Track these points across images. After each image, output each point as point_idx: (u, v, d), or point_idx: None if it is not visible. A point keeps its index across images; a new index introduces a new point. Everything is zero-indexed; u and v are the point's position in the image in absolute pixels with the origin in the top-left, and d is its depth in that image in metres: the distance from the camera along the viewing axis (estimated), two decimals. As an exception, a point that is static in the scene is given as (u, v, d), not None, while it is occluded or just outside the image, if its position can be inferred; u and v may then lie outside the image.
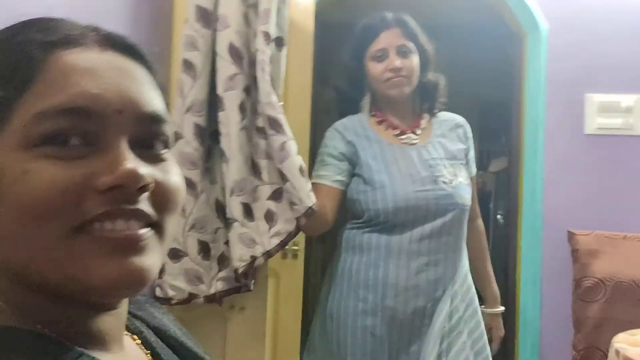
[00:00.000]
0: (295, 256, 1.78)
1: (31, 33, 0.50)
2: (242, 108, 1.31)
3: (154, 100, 0.53)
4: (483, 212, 1.91)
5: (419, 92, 1.70)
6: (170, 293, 1.28)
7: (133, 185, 0.48)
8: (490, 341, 1.71)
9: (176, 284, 1.28)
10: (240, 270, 1.30)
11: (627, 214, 2.31)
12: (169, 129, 0.54)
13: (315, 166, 1.64)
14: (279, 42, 1.37)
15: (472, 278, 1.69)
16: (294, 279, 1.82)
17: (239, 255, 1.30)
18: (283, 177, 1.32)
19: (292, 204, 1.33)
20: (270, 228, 1.34)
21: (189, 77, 1.29)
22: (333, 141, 1.65)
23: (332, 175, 1.61)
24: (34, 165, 0.46)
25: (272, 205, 1.35)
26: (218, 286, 1.33)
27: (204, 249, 1.34)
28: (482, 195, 2.97)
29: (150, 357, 0.62)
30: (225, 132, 1.29)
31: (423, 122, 1.70)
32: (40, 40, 0.49)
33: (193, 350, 0.68)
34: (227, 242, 1.34)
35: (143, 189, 0.49)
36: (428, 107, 1.72)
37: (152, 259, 0.50)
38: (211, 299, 1.33)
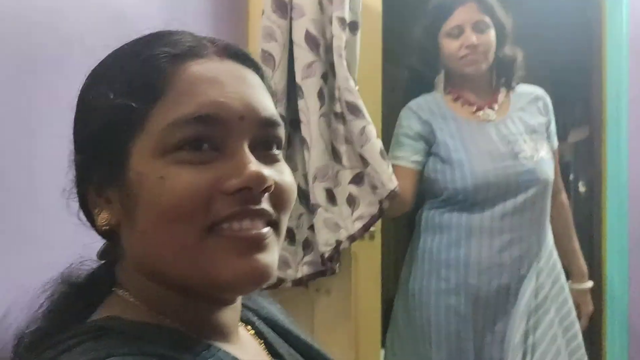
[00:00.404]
0: (372, 237, 1.79)
1: (158, 47, 0.54)
2: (320, 95, 1.33)
3: (269, 106, 0.56)
4: (566, 186, 1.86)
5: (495, 67, 1.66)
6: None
7: (258, 187, 0.51)
8: (578, 318, 1.68)
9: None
10: (326, 255, 1.33)
11: None
12: (282, 132, 0.57)
13: (391, 147, 1.64)
14: (353, 27, 1.37)
15: (558, 253, 1.66)
16: (373, 260, 1.83)
17: (325, 240, 1.33)
18: (364, 161, 1.33)
19: (374, 187, 1.34)
20: (353, 212, 1.36)
21: (268, 68, 1.32)
22: (408, 121, 1.64)
23: (409, 155, 1.60)
24: (170, 171, 0.50)
25: (353, 189, 1.37)
26: (304, 270, 1.37)
27: (290, 235, 1.38)
28: (561, 167, 2.86)
29: (263, 346, 0.66)
30: (305, 120, 1.32)
31: (500, 97, 1.66)
32: (168, 53, 0.53)
33: (301, 338, 0.71)
34: (310, 227, 1.37)
35: (266, 190, 0.52)
36: (505, 82, 1.68)
37: (273, 256, 0.54)
38: (298, 282, 1.37)
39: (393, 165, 1.53)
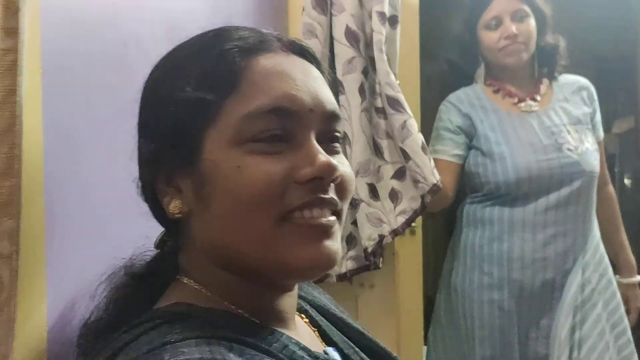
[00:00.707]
0: (413, 232, 1.78)
1: (229, 42, 0.56)
2: (361, 90, 1.33)
3: (333, 99, 0.59)
4: (612, 177, 1.82)
5: (537, 57, 1.63)
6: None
7: (329, 176, 0.54)
8: (627, 313, 1.64)
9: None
10: (369, 249, 1.34)
11: None
12: (342, 125, 0.59)
13: (431, 141, 1.63)
14: (393, 21, 1.37)
15: (605, 247, 1.62)
16: (414, 255, 1.82)
17: (368, 235, 1.34)
18: (405, 156, 1.33)
19: (415, 181, 1.34)
20: (395, 207, 1.36)
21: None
22: (448, 114, 1.63)
23: (449, 149, 1.59)
24: (246, 161, 0.52)
25: (395, 184, 1.37)
26: (348, 265, 1.38)
27: (332, 230, 1.38)
28: (606, 159, 2.80)
29: (317, 333, 0.68)
30: (346, 115, 1.32)
31: (543, 88, 1.63)
32: (239, 47, 0.55)
33: (353, 325, 0.72)
34: (353, 223, 1.38)
35: (335, 179, 0.54)
36: (547, 72, 1.65)
37: (338, 243, 0.56)
38: (342, 277, 1.38)
39: (434, 160, 1.52)
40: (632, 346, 1.57)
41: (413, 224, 1.66)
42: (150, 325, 0.52)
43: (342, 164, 0.58)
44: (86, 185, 0.72)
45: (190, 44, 0.59)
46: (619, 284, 1.66)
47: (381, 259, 1.39)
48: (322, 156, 0.54)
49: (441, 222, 2.87)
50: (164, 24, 0.91)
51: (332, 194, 0.55)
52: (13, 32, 0.50)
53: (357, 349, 0.69)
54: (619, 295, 1.60)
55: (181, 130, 0.55)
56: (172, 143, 0.56)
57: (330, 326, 0.71)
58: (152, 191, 0.59)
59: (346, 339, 0.70)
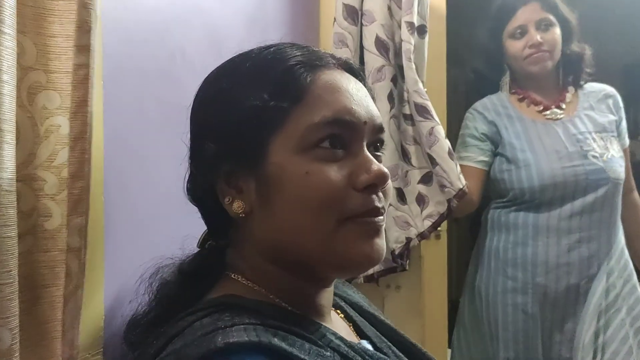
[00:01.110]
0: (438, 237, 1.82)
1: (294, 57, 0.62)
2: (390, 97, 1.38)
3: (378, 113, 0.65)
4: (637, 184, 1.83)
5: (562, 65, 1.66)
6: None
7: (383, 183, 0.60)
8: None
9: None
10: (397, 252, 1.38)
11: None
12: (385, 136, 0.66)
13: (457, 148, 1.66)
14: (421, 30, 1.41)
15: (631, 254, 1.64)
16: (439, 259, 1.85)
17: (395, 237, 1.38)
18: (432, 161, 1.37)
19: (442, 186, 1.38)
20: (422, 211, 1.40)
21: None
22: (474, 122, 1.66)
23: (475, 156, 1.63)
24: (313, 167, 0.58)
25: (422, 188, 1.41)
26: (376, 267, 1.42)
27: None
28: (633, 166, 2.78)
29: (352, 328, 0.73)
30: (375, 122, 1.37)
31: (568, 96, 1.66)
32: (304, 63, 0.61)
33: (385, 322, 0.77)
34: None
35: (386, 186, 0.61)
36: (573, 80, 1.67)
37: (384, 241, 0.62)
38: (370, 278, 1.42)
39: (459, 166, 1.56)
40: (656, 352, 1.58)
41: (439, 228, 1.70)
42: (203, 314, 0.58)
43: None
44: (140, 186, 0.78)
45: (255, 57, 0.64)
46: (642, 291, 1.67)
47: (408, 262, 1.43)
48: (376, 165, 0.60)
49: (466, 227, 2.89)
50: (207, 38, 0.97)
51: (382, 203, 0.62)
52: (85, 49, 0.56)
53: (389, 343, 0.74)
54: (638, 301, 1.60)
55: (249, 134, 0.60)
56: (238, 145, 0.61)
57: (364, 321, 0.76)
58: (211, 191, 0.63)
59: (378, 334, 0.75)
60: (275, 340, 0.53)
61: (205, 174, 0.64)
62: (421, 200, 1.41)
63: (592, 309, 1.52)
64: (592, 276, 1.54)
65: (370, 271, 1.41)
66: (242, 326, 0.54)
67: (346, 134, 0.60)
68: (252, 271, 0.64)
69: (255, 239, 0.63)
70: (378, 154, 0.65)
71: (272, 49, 0.64)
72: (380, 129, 0.64)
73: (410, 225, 1.39)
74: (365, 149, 0.61)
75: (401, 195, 1.40)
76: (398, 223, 1.38)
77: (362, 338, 0.73)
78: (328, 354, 0.58)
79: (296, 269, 0.62)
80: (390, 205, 1.38)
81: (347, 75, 0.64)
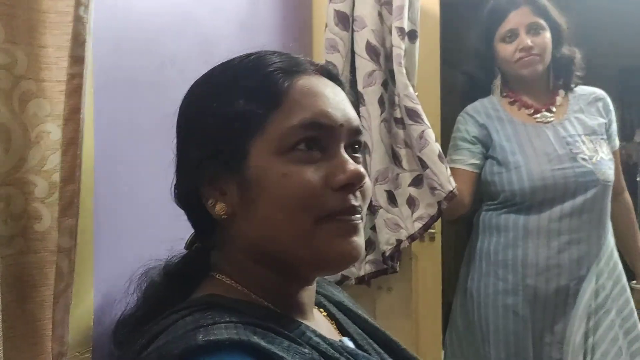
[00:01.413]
0: (432, 239, 1.84)
1: (272, 64, 0.65)
2: (381, 102, 1.40)
3: (356, 116, 0.68)
4: (629, 185, 1.85)
5: (553, 68, 1.68)
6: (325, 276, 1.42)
7: (359, 182, 0.63)
8: (643, 318, 1.67)
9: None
10: (387, 253, 1.40)
11: None
12: (363, 138, 0.69)
13: (449, 151, 1.69)
14: (412, 36, 1.44)
15: (622, 254, 1.66)
16: (433, 261, 1.87)
17: (386, 239, 1.40)
18: (422, 164, 1.39)
19: (432, 189, 1.40)
20: (412, 213, 1.43)
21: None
22: (465, 125, 1.68)
23: (466, 159, 1.65)
24: (290, 169, 0.61)
25: (413, 191, 1.43)
26: (367, 268, 1.44)
27: (353, 235, 1.45)
28: (627, 168, 2.81)
29: (334, 326, 0.75)
30: (367, 126, 1.39)
31: (558, 99, 1.68)
32: (282, 70, 0.64)
33: (368, 320, 0.79)
34: (372, 228, 1.45)
35: (362, 185, 0.64)
36: (563, 83, 1.70)
37: (362, 239, 0.65)
38: (361, 280, 1.44)
39: (451, 169, 1.58)
40: (645, 352, 1.60)
41: (433, 231, 1.72)
42: (186, 312, 0.60)
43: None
44: (130, 190, 0.81)
45: (236, 65, 0.67)
46: (635, 291, 1.69)
47: (398, 263, 1.45)
48: (352, 165, 0.63)
49: (463, 229, 2.91)
50: (198, 46, 1.00)
51: (360, 202, 0.64)
52: (80, 60, 0.59)
53: (370, 340, 0.76)
54: (632, 302, 1.63)
55: (230, 139, 0.63)
56: (220, 150, 0.64)
57: (346, 319, 0.78)
58: (196, 195, 0.66)
59: (360, 331, 0.77)
60: (255, 338, 0.56)
61: (190, 179, 0.66)
62: (412, 202, 1.43)
63: (581, 310, 1.54)
64: (582, 277, 1.55)
65: (362, 273, 1.44)
66: (223, 324, 0.57)
67: (323, 137, 0.63)
68: (236, 271, 0.66)
69: (238, 240, 0.66)
70: (356, 155, 0.67)
71: (252, 57, 0.67)
72: (357, 131, 0.67)
73: (401, 227, 1.41)
74: (342, 150, 0.64)
75: (392, 198, 1.43)
76: (389, 225, 1.41)
77: (344, 336, 0.75)
78: (306, 351, 0.60)
79: (278, 269, 0.65)
80: (381, 208, 1.40)
81: (325, 80, 0.67)
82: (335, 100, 0.65)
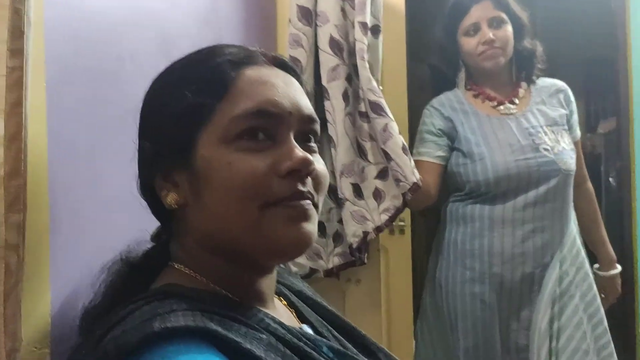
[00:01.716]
0: (402, 231, 1.86)
1: (222, 56, 0.66)
2: (345, 96, 1.42)
3: (309, 105, 0.69)
4: (594, 175, 1.89)
5: (515, 61, 1.71)
6: (294, 269, 1.43)
7: (306, 169, 0.63)
8: (607, 303, 1.71)
9: (298, 260, 1.42)
10: (354, 245, 1.42)
11: None
12: (318, 127, 0.69)
13: (415, 144, 1.71)
14: (375, 30, 1.45)
15: (585, 241, 1.70)
16: (403, 253, 1.90)
17: (352, 232, 1.42)
18: (387, 157, 1.41)
19: (397, 181, 1.42)
20: (379, 205, 1.45)
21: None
22: (431, 118, 1.71)
23: (432, 151, 1.67)
24: (235, 157, 0.62)
25: (379, 183, 1.45)
26: (335, 261, 1.46)
27: (321, 228, 1.47)
28: (593, 158, 2.86)
29: (294, 314, 0.76)
30: (331, 120, 1.41)
31: (521, 91, 1.71)
32: (230, 61, 0.65)
33: (328, 308, 0.81)
34: (340, 221, 1.46)
35: (311, 172, 0.64)
36: (525, 75, 1.73)
37: (313, 225, 0.65)
38: (329, 273, 1.46)
39: (417, 161, 1.60)
40: (609, 335, 1.65)
41: (402, 224, 1.75)
42: (144, 302, 0.61)
43: (318, 162, 0.67)
44: (87, 185, 0.80)
45: (187, 59, 0.69)
46: (599, 276, 1.74)
47: (366, 255, 1.47)
48: (299, 151, 0.63)
49: (433, 222, 2.95)
50: (157, 39, 1.00)
51: (309, 187, 0.64)
52: (19, 52, 0.58)
53: (329, 327, 0.77)
54: (595, 287, 1.67)
55: (179, 130, 0.64)
56: (170, 142, 0.65)
57: (306, 307, 0.79)
58: (151, 187, 0.67)
59: (319, 318, 0.78)
60: (212, 325, 0.57)
61: (146, 171, 0.67)
62: (378, 195, 1.45)
63: (546, 296, 1.58)
64: (546, 265, 1.59)
65: (330, 265, 1.45)
66: (180, 312, 0.57)
67: (271, 125, 0.63)
68: (193, 261, 0.67)
69: (192, 230, 0.67)
70: (310, 144, 0.68)
71: (205, 50, 0.68)
72: (310, 119, 0.67)
73: (367, 220, 1.43)
74: (291, 138, 0.64)
75: (358, 191, 1.44)
76: (355, 218, 1.42)
77: (304, 323, 0.76)
78: (264, 336, 0.61)
79: (232, 257, 0.66)
80: (347, 201, 1.42)
81: (278, 70, 0.68)
82: (285, 90, 0.65)
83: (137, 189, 0.70)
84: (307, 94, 0.71)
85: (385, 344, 1.73)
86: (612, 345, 1.65)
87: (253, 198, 0.61)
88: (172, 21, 1.05)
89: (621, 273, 1.81)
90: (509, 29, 1.66)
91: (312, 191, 0.66)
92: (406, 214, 1.81)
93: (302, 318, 0.77)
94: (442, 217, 1.75)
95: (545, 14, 2.69)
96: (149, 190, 0.68)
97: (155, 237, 0.75)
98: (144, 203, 0.71)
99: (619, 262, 1.82)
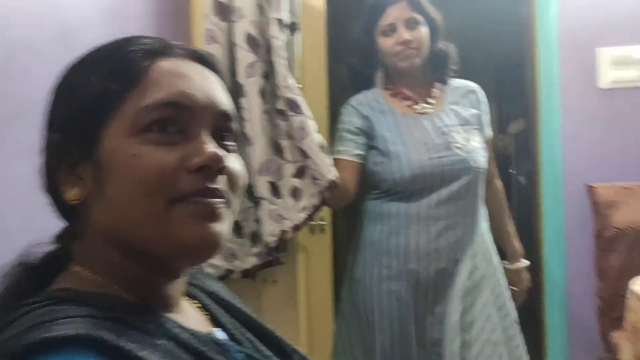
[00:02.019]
0: (322, 230, 1.87)
1: (137, 45, 0.62)
2: (262, 93, 1.40)
3: (226, 101, 0.65)
4: (505, 174, 1.97)
5: (430, 62, 1.75)
6: (208, 270, 1.39)
7: (216, 165, 0.60)
8: (515, 295, 1.79)
9: (213, 261, 1.39)
10: (271, 245, 1.40)
11: (645, 164, 2.34)
12: (235, 125, 0.66)
13: (335, 142, 1.72)
14: (293, 28, 1.44)
15: (494, 237, 1.77)
16: (323, 251, 1.91)
17: (270, 231, 1.40)
18: (304, 155, 1.40)
19: (314, 179, 1.42)
20: (296, 203, 1.44)
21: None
22: (349, 117, 1.72)
23: (350, 149, 1.68)
24: (141, 149, 0.58)
25: (296, 182, 1.44)
26: (252, 261, 1.44)
27: (237, 228, 1.44)
28: (504, 157, 3.00)
29: (208, 317, 0.73)
30: (248, 117, 1.38)
31: (435, 91, 1.75)
32: (145, 50, 0.62)
33: (242, 310, 0.78)
34: (257, 220, 1.44)
35: (222, 169, 0.61)
36: (440, 76, 1.77)
37: (224, 226, 0.62)
38: (246, 273, 1.44)
39: (336, 159, 1.61)
40: (517, 326, 1.72)
41: (323, 222, 1.75)
42: (36, 307, 0.56)
43: (233, 160, 0.64)
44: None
45: (101, 47, 0.64)
46: (507, 270, 1.81)
47: (284, 255, 1.45)
48: (211, 147, 0.60)
49: (357, 221, 2.99)
50: (56, 28, 0.94)
51: (220, 184, 0.61)
52: None
53: (243, 330, 0.75)
54: (503, 280, 1.74)
55: (84, 120, 0.60)
56: (76, 132, 0.60)
57: (220, 310, 0.77)
58: (55, 183, 0.62)
59: (234, 321, 0.76)
60: (102, 332, 0.53)
61: (50, 165, 0.63)
62: (295, 193, 1.44)
63: (458, 290, 1.62)
64: (458, 260, 1.64)
65: (247, 265, 1.43)
66: (68, 319, 0.53)
67: (183, 118, 0.60)
68: (95, 262, 0.63)
69: (94, 227, 0.62)
70: (227, 143, 0.65)
71: (120, 40, 0.64)
72: (225, 115, 0.64)
73: (285, 219, 1.42)
74: (204, 133, 0.61)
75: (275, 190, 1.43)
76: (272, 216, 1.41)
77: (218, 326, 0.73)
78: (162, 342, 0.58)
79: (136, 258, 0.62)
80: (264, 199, 1.40)
81: (195, 64, 0.65)
82: (201, 83, 0.62)
83: (40, 186, 0.65)
84: (228, 91, 0.67)
85: (305, 344, 1.73)
86: (520, 335, 1.72)
87: (158, 192, 0.58)
88: (73, 10, 0.99)
89: (529, 266, 1.90)
90: (424, 30, 1.70)
91: (225, 189, 0.63)
92: (326, 212, 1.82)
93: (216, 321, 0.74)
94: (360, 215, 1.76)
95: (460, 21, 2.79)
96: (54, 187, 0.64)
97: (59, 237, 0.70)
98: (47, 201, 0.66)
99: (527, 257, 1.90)
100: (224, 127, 0.64)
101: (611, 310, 2.17)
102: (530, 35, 2.50)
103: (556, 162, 2.42)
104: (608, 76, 2.37)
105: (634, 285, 1.69)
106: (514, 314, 1.72)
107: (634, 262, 2.12)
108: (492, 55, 3.34)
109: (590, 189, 2.32)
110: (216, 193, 0.61)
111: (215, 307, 0.77)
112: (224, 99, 0.65)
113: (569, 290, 2.40)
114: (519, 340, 1.72)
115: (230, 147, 0.66)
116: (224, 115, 0.64)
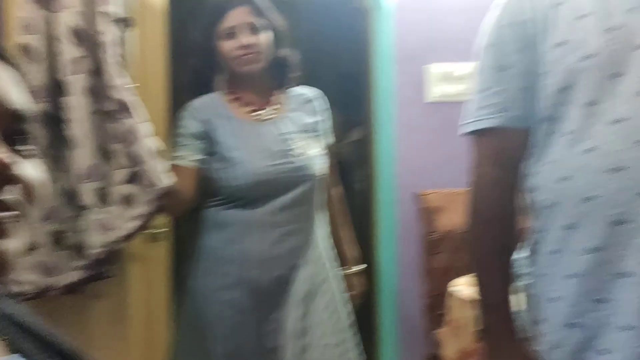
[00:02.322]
0: (155, 239, 1.77)
1: None
2: (88, 92, 1.28)
3: (19, 99, 0.57)
4: (345, 180, 2.03)
5: (272, 69, 1.75)
6: (22, 288, 1.24)
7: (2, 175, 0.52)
8: (351, 298, 1.85)
9: (28, 277, 1.24)
10: (97, 257, 1.29)
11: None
12: (32, 127, 0.58)
13: (174, 147, 1.64)
14: (126, 23, 1.35)
15: (332, 241, 1.81)
16: (161, 261, 1.82)
17: (96, 242, 1.29)
18: (136, 160, 1.32)
19: (147, 185, 1.34)
20: (128, 211, 1.34)
21: (28, 62, 1.23)
22: (187, 121, 1.66)
23: (188, 155, 1.62)
24: None
25: (127, 188, 1.35)
26: (75, 276, 1.31)
27: (58, 239, 1.31)
28: (344, 165, 3.10)
29: (7, 342, 0.65)
30: (72, 118, 1.26)
31: (276, 98, 1.75)
32: None
33: (47, 331, 0.70)
34: (81, 230, 1.32)
35: (9, 178, 0.53)
36: (281, 83, 1.78)
37: (16, 242, 0.55)
38: (70, 289, 1.31)
39: (174, 165, 1.53)
40: (350, 329, 1.76)
41: (157, 231, 1.66)
42: None
43: (27, 167, 0.57)
44: None
45: None
46: (344, 274, 1.87)
47: (112, 267, 1.35)
48: None
49: (198, 228, 2.91)
50: None
51: (10, 196, 0.54)
52: None
53: (45, 354, 0.67)
54: (338, 283, 1.78)
55: None
56: None
57: (19, 333, 0.68)
58: None
59: (35, 345, 0.68)
60: None
61: None
62: (126, 200, 1.34)
63: (295, 296, 1.64)
64: (296, 266, 1.65)
65: (69, 280, 1.30)
66: None
67: None
68: None
69: None
70: (20, 147, 0.57)
71: None
72: (16, 116, 0.56)
73: (113, 228, 1.31)
74: None
75: (103, 197, 1.32)
76: (99, 226, 1.30)
77: (16, 352, 0.65)
78: None
79: None
80: (89, 208, 1.29)
81: None
82: None
83: None
84: (25, 87, 0.60)
85: (142, 356, 1.63)
86: (354, 338, 1.78)
87: None
88: None
89: (364, 270, 1.98)
90: (265, 36, 1.69)
91: (14, 199, 0.55)
92: (165, 220, 1.73)
93: (13, 345, 0.66)
94: (199, 223, 1.70)
95: (306, 30, 2.85)
96: None
97: None
98: None
99: (363, 261, 1.98)
100: (16, 130, 0.57)
101: (436, 309, 2.35)
102: (369, 48, 2.63)
103: (389, 170, 2.56)
104: (434, 91, 2.58)
105: (452, 287, 1.84)
106: (348, 318, 1.77)
107: (457, 263, 2.32)
108: (333, 64, 3.47)
109: (418, 196, 2.49)
110: (2, 206, 0.54)
111: (15, 331, 0.68)
112: (11, 97, 0.57)
113: (400, 291, 2.56)
114: (351, 343, 1.76)
115: (26, 152, 0.59)
116: (12, 117, 0.56)
